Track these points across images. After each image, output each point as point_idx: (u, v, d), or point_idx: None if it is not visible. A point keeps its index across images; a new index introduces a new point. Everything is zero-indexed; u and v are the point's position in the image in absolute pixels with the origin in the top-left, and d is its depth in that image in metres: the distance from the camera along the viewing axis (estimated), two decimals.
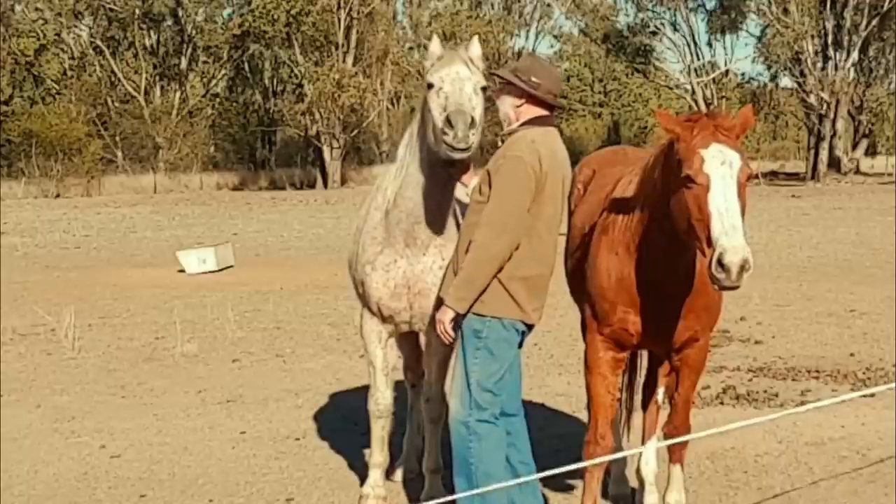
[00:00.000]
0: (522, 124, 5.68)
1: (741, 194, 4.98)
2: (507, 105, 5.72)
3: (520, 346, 5.76)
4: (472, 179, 5.94)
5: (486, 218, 5.47)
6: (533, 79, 5.66)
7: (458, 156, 5.60)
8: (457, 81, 5.63)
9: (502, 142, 5.78)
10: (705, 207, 4.92)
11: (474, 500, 5.55)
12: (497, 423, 5.62)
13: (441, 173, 5.90)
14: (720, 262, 4.80)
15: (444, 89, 5.64)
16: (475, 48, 5.85)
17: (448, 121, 5.48)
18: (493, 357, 5.58)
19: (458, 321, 5.58)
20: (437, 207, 6.06)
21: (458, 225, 6.14)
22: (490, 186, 5.55)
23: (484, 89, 5.71)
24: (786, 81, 64.82)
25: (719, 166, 4.97)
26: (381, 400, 6.56)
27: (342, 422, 8.73)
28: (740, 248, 4.79)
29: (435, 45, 5.90)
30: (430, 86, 5.73)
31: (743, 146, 5.13)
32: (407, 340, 7.19)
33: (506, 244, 5.46)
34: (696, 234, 5.00)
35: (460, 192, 6.14)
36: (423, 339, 6.75)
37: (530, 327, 5.76)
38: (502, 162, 5.55)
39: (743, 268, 4.80)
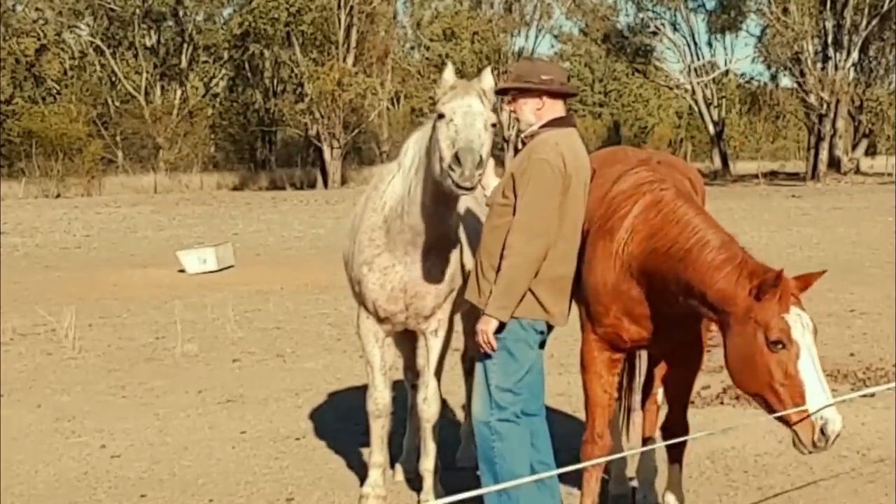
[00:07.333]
0: (543, 126, 5.70)
1: None
2: (529, 111, 5.72)
3: (541, 346, 5.77)
4: (488, 180, 5.92)
5: (519, 224, 5.47)
6: (543, 77, 5.70)
7: (462, 193, 5.56)
8: (468, 115, 5.55)
9: (523, 144, 5.78)
10: (796, 373, 4.97)
11: (500, 499, 5.55)
12: (518, 422, 5.64)
13: (445, 196, 5.84)
14: (822, 431, 4.93)
15: (454, 121, 5.55)
16: (488, 80, 5.75)
17: (457, 157, 5.39)
18: (512, 357, 5.60)
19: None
20: (441, 221, 6.07)
21: (456, 228, 6.15)
22: (514, 190, 5.55)
23: (494, 125, 5.63)
24: (786, 81, 64.79)
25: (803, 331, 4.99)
26: (380, 399, 6.56)
27: (342, 422, 8.73)
28: (840, 418, 4.94)
29: (448, 74, 5.78)
30: (440, 116, 5.63)
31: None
32: (406, 340, 7.20)
33: (540, 247, 5.47)
34: (775, 397, 5.02)
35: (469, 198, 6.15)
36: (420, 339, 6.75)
37: (551, 327, 5.77)
38: (527, 165, 5.56)
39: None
